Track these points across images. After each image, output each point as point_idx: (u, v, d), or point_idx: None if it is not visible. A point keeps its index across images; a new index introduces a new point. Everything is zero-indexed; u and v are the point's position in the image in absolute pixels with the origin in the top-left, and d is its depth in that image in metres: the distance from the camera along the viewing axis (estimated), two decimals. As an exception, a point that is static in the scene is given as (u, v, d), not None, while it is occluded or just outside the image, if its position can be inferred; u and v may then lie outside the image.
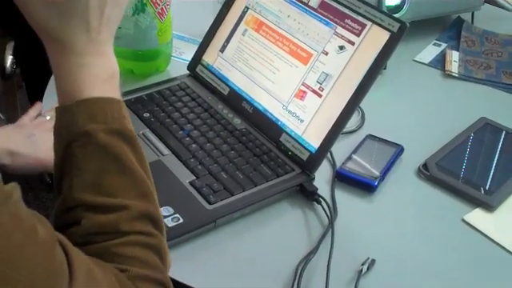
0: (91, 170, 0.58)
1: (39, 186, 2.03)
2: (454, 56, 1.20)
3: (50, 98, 0.99)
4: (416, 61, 1.20)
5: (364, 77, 0.84)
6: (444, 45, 1.24)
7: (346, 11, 0.88)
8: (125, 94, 1.00)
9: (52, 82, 1.02)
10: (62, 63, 0.60)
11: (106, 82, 0.61)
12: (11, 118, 2.02)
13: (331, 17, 0.90)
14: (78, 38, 0.59)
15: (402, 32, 0.83)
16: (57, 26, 0.58)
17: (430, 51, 1.22)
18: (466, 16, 1.32)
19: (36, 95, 1.07)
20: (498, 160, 0.94)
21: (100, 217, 0.57)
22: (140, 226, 0.58)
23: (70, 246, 0.52)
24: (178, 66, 1.09)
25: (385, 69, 1.13)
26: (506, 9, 1.42)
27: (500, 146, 0.97)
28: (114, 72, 0.62)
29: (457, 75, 1.15)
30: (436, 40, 1.26)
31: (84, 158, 0.58)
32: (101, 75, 0.61)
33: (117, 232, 0.57)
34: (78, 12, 0.59)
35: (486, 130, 1.00)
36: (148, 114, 0.95)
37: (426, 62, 1.19)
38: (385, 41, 0.84)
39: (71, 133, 0.58)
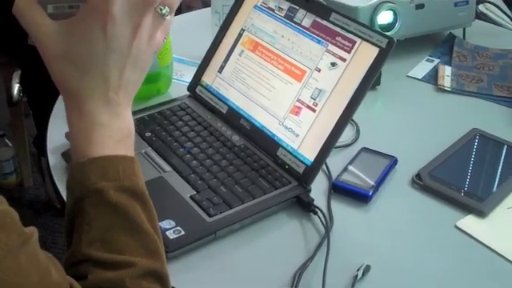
0: (100, 227, 0.59)
1: (48, 212, 2.07)
2: (447, 71, 1.23)
3: (56, 126, 1.02)
4: (409, 76, 1.23)
5: (355, 91, 0.88)
6: (437, 60, 1.27)
7: (337, 29, 0.92)
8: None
9: (56, 111, 1.06)
10: (77, 120, 0.61)
11: (120, 141, 0.62)
12: (19, 145, 2.06)
13: (323, 35, 0.94)
14: (94, 95, 0.60)
15: (390, 47, 0.87)
16: (74, 78, 0.60)
17: (423, 67, 1.25)
18: (458, 32, 1.35)
19: (42, 123, 1.10)
20: (488, 168, 0.97)
21: (106, 273, 0.58)
22: (146, 283, 0.59)
23: None
24: (178, 88, 1.13)
25: (379, 84, 1.16)
26: (498, 24, 1.46)
27: (491, 155, 1.00)
28: (128, 133, 0.63)
29: (449, 89, 1.18)
30: (429, 56, 1.29)
31: (94, 215, 0.59)
32: (114, 136, 0.61)
33: None
34: (96, 67, 0.60)
35: (477, 140, 1.02)
36: (150, 134, 0.99)
37: (419, 77, 1.22)
38: (374, 56, 0.87)
39: (83, 189, 0.59)
